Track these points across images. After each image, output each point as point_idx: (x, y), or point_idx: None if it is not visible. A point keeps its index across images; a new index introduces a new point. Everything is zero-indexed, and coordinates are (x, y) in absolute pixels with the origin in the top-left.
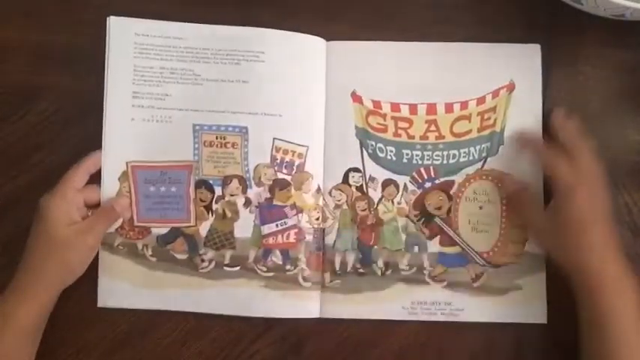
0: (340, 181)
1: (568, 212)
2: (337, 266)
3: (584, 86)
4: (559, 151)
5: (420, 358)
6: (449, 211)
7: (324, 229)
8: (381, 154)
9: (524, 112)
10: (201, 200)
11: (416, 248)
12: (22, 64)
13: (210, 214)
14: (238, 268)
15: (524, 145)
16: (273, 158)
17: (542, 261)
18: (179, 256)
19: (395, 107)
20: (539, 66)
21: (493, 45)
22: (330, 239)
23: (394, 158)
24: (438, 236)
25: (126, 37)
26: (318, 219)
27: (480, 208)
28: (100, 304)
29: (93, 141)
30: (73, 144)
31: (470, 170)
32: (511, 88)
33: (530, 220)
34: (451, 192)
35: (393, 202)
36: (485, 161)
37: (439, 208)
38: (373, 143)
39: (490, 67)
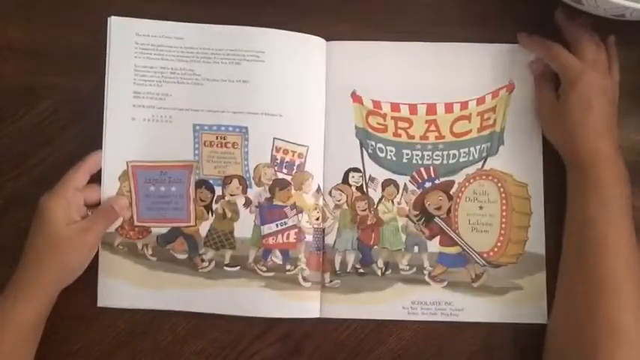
0: (340, 181)
1: (574, 94)
2: (337, 266)
3: None
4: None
5: (420, 358)
6: (449, 211)
7: (324, 229)
8: (381, 154)
9: (524, 112)
10: (201, 200)
11: (416, 248)
12: (22, 64)
13: (210, 214)
14: (238, 268)
15: (528, 45)
16: (273, 158)
17: (542, 261)
18: (179, 256)
19: (395, 107)
20: None
21: (493, 45)
22: (330, 239)
23: (394, 158)
24: (438, 236)
25: (127, 37)
26: (318, 219)
27: (480, 208)
28: (100, 303)
29: (93, 141)
30: (73, 144)
31: (470, 170)
32: (511, 88)
33: (539, 98)
34: (451, 192)
35: (393, 202)
36: (485, 161)
37: (439, 208)
38: (373, 143)
39: (490, 67)
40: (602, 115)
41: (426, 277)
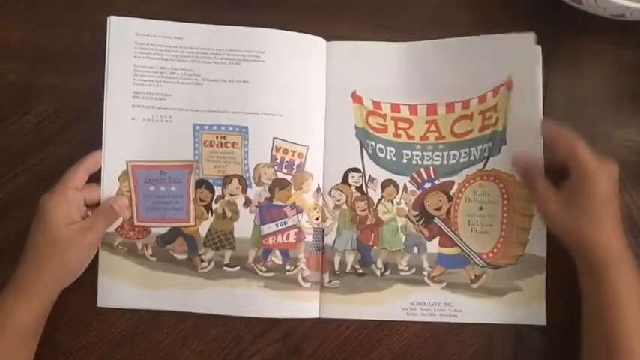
0: (340, 181)
1: (590, 192)
2: (336, 266)
3: (584, 86)
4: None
5: (420, 358)
6: (448, 211)
7: (323, 229)
8: (380, 155)
9: (525, 112)
10: (201, 200)
11: (415, 249)
12: (22, 64)
13: (209, 214)
14: (238, 268)
15: (550, 132)
16: (273, 158)
17: (541, 262)
18: (179, 256)
19: (395, 108)
20: (538, 57)
21: (489, 37)
22: (329, 239)
23: (394, 159)
24: (438, 237)
25: (126, 37)
26: (317, 219)
27: (480, 208)
28: (100, 304)
29: (93, 141)
30: (73, 144)
31: (470, 171)
32: (509, 85)
33: (541, 196)
34: (451, 192)
35: (392, 202)
36: (486, 161)
37: (439, 209)
38: (373, 144)
39: (489, 61)
40: (613, 211)
41: (426, 278)
